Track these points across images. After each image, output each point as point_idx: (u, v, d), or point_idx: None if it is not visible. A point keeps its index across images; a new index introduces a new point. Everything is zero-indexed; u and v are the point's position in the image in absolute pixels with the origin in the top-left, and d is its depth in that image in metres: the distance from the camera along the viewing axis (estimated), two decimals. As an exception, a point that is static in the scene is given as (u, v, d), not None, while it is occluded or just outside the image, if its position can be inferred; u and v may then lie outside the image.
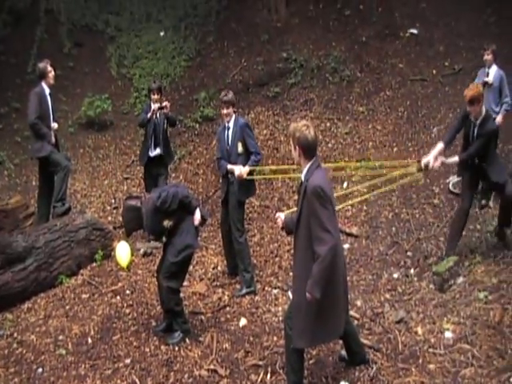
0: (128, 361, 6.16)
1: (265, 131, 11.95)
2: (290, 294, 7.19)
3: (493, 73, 8.90)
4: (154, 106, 9.02)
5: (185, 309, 6.69)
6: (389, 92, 12.26)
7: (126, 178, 11.64)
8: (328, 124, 11.81)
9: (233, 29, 15.35)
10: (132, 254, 6.81)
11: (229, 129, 7.42)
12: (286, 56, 13.87)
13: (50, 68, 8.66)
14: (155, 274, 6.76)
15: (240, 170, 7.24)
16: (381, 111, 11.80)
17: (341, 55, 13.52)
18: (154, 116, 9.05)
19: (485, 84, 8.66)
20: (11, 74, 14.36)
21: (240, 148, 7.37)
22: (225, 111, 7.37)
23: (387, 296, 6.95)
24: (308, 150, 4.89)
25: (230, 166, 7.32)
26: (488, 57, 8.95)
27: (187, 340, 6.41)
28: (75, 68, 15.04)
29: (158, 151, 9.15)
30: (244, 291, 7.41)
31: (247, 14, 15.51)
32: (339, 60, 13.39)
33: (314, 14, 14.87)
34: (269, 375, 5.68)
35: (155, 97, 9.04)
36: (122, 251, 6.95)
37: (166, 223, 6.22)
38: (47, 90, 8.60)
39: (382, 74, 12.82)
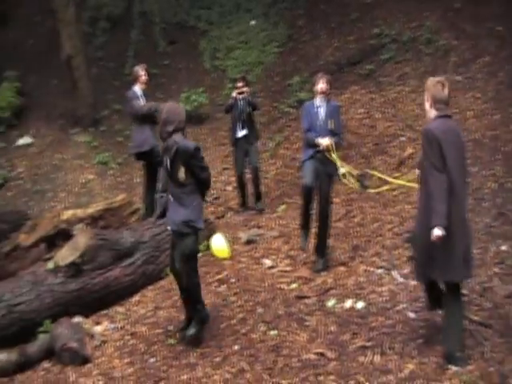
0: (236, 348, 6.22)
1: (360, 110, 11.74)
2: (394, 273, 7.07)
3: None
4: (234, 93, 9.98)
5: (288, 293, 6.69)
6: (487, 58, 11.70)
7: (225, 169, 11.77)
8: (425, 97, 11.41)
9: (322, 10, 15.18)
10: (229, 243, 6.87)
11: (320, 106, 7.53)
12: (377, 32, 13.53)
13: (142, 72, 9.50)
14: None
15: (328, 141, 7.35)
16: (479, 78, 11.29)
17: (434, 24, 13.01)
18: (239, 101, 9.90)
19: None
20: (110, 78, 14.90)
21: (331, 125, 7.47)
22: (325, 86, 7.53)
23: (496, 270, 6.69)
24: (436, 102, 5.40)
25: (317, 139, 7.38)
26: None
27: (294, 325, 6.41)
28: (170, 65, 15.39)
29: (243, 132, 9.95)
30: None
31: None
32: (433, 30, 12.89)
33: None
34: (377, 356, 5.59)
35: (239, 85, 9.96)
36: (218, 243, 7.12)
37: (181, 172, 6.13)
38: (139, 92, 9.26)
39: (478, 39, 12.23)
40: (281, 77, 14.12)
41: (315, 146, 7.42)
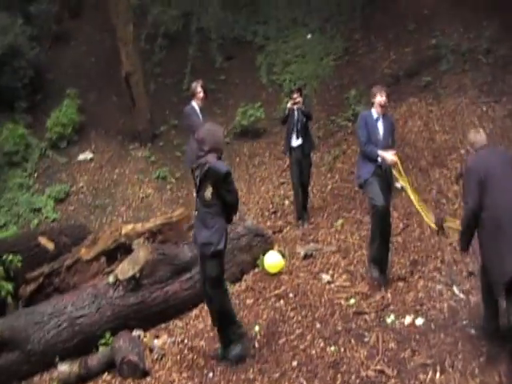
0: (295, 363, 6.18)
1: (418, 122, 11.56)
2: (455, 288, 6.92)
3: None
4: (289, 103, 10.19)
5: (346, 309, 6.62)
6: (548, 67, 11.40)
7: (282, 183, 11.76)
8: (484, 108, 11.17)
9: (378, 22, 15.07)
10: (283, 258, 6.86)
11: (378, 120, 7.43)
12: (435, 43, 13.35)
13: (199, 89, 9.69)
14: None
15: (392, 156, 7.26)
16: (541, 89, 11.02)
17: (493, 34, 12.73)
18: (294, 112, 10.07)
19: None
20: (168, 94, 15.10)
21: (390, 141, 7.43)
22: (384, 100, 7.47)
23: None
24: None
25: (380, 152, 7.22)
26: None
27: (352, 341, 6.34)
28: (227, 80, 15.51)
29: (299, 141, 10.07)
30: None
31: (392, 5, 15.14)
32: (492, 40, 12.62)
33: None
34: (438, 374, 5.48)
35: (294, 95, 10.13)
36: (272, 259, 7.17)
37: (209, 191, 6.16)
38: (197, 108, 9.50)
39: (541, 48, 11.93)
40: (337, 90, 14.07)
41: (376, 160, 7.28)
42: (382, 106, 7.43)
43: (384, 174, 7.30)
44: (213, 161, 6.11)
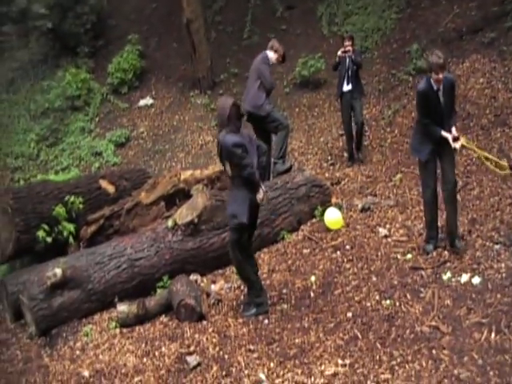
0: (349, 315, 6.22)
1: (481, 80, 11.22)
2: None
3: None
4: (340, 51, 10.58)
5: (403, 264, 6.57)
6: None
7: (341, 135, 11.65)
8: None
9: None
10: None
11: (439, 90, 6.81)
12: (500, -3, 12.85)
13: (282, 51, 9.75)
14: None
15: (456, 143, 6.83)
16: None
17: None
18: (345, 59, 10.53)
19: None
20: (228, 42, 15.06)
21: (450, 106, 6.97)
22: (440, 76, 6.72)
23: None
24: None
25: (444, 134, 6.78)
26: None
27: (408, 295, 6.34)
28: (288, 30, 15.31)
29: (349, 87, 10.59)
30: None
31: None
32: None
33: None
34: (493, 334, 5.41)
35: (346, 43, 10.52)
36: (331, 216, 7.66)
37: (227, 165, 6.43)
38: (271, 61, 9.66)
39: None
40: (399, 44, 13.73)
41: (438, 139, 6.84)
42: (439, 81, 6.85)
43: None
44: (222, 136, 6.32)
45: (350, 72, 10.55)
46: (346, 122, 10.70)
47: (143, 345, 6.54)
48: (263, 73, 9.45)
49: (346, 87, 10.59)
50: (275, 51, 9.64)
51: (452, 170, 7.00)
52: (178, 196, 8.95)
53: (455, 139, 6.78)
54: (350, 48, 10.49)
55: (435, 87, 6.73)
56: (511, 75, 10.86)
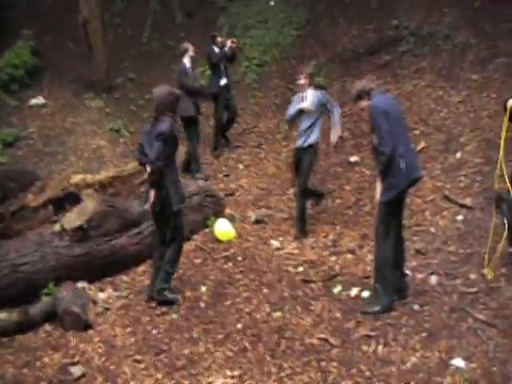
0: (240, 326, 6.19)
1: (376, 100, 11.61)
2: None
3: None
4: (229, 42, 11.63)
5: (294, 276, 6.63)
6: (504, 58, 11.45)
7: (237, 146, 11.71)
8: (440, 92, 11.28)
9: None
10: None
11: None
12: (396, 23, 13.36)
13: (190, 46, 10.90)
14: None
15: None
16: (496, 79, 11.07)
17: (453, 21, 12.76)
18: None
19: None
20: (127, 46, 14.79)
21: None
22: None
23: (503, 270, 6.63)
24: None
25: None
26: None
27: (298, 308, 6.39)
28: (187, 38, 15.21)
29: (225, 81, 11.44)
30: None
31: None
32: (452, 26, 12.62)
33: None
34: (380, 346, 5.56)
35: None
36: (222, 227, 7.85)
37: None
38: (188, 65, 10.78)
39: (497, 39, 11.93)
40: (297, 60, 14.01)
41: None
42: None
43: None
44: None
45: (225, 66, 11.34)
46: (221, 114, 11.44)
47: (23, 354, 6.21)
48: (182, 83, 10.35)
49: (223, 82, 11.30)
50: (186, 51, 10.73)
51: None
52: (68, 200, 8.64)
53: None
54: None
55: None
56: (404, 98, 11.26)
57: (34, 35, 14.70)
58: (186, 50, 10.77)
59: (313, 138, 8.09)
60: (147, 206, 6.50)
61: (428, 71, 11.97)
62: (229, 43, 11.41)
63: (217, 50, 11.41)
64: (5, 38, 14.80)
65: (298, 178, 8.28)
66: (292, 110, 8.26)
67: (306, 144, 8.10)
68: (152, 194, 6.38)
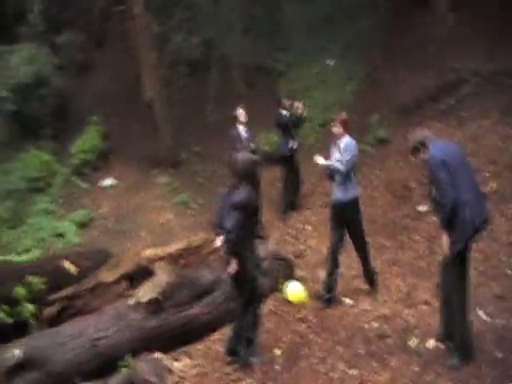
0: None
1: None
2: (479, 312, 6.83)
3: None
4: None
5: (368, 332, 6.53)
6: None
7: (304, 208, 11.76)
8: (508, 130, 11.09)
9: (399, 47, 15.04)
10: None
11: None
12: (457, 66, 13.28)
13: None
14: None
15: None
16: None
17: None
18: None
19: None
20: (190, 120, 15.19)
21: None
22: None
23: None
24: None
25: None
26: None
27: (374, 363, 6.27)
28: (249, 107, 15.50)
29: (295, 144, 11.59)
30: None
31: (412, 29, 15.09)
32: (513, 63, 12.42)
33: (483, 16, 14.06)
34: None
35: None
36: (294, 289, 7.90)
37: None
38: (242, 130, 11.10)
39: None
40: (359, 115, 14.02)
41: None
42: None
43: None
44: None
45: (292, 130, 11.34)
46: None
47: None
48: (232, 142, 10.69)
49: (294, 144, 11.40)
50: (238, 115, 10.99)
51: None
52: (141, 274, 8.82)
53: None
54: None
55: None
56: (470, 140, 11.09)
57: (102, 120, 15.35)
58: (237, 117, 11.07)
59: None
60: (230, 270, 6.49)
61: (493, 110, 11.77)
62: (296, 104, 11.51)
63: (284, 112, 11.50)
64: (76, 124, 15.53)
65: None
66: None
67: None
68: (232, 260, 6.40)
